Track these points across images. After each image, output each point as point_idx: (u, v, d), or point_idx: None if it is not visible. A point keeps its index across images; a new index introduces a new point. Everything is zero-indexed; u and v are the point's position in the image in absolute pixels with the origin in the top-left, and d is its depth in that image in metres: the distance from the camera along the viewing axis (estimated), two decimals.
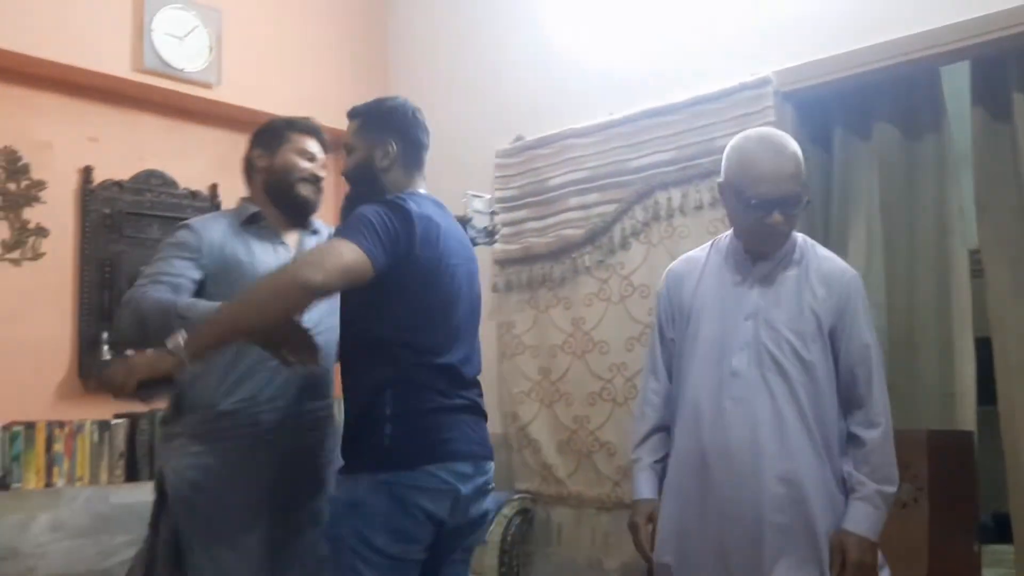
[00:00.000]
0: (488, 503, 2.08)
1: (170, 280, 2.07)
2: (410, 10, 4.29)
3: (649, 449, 2.05)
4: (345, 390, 1.98)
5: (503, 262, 3.64)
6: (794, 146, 1.91)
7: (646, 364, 2.15)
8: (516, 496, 3.45)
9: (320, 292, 1.78)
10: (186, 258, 2.13)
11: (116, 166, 3.50)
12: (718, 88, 3.00)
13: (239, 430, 2.10)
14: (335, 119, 4.04)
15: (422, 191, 2.08)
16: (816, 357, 1.88)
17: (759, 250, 1.95)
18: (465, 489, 1.93)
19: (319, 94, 4.04)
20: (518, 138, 3.68)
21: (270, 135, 2.35)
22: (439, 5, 4.15)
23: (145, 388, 1.79)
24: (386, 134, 2.07)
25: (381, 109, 2.12)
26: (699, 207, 3.04)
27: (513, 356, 3.58)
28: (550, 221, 3.50)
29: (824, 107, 2.96)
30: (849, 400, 1.91)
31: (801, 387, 1.87)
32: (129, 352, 1.85)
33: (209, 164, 3.80)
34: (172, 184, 3.62)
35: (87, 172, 3.42)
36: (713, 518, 1.89)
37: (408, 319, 1.91)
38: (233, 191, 3.78)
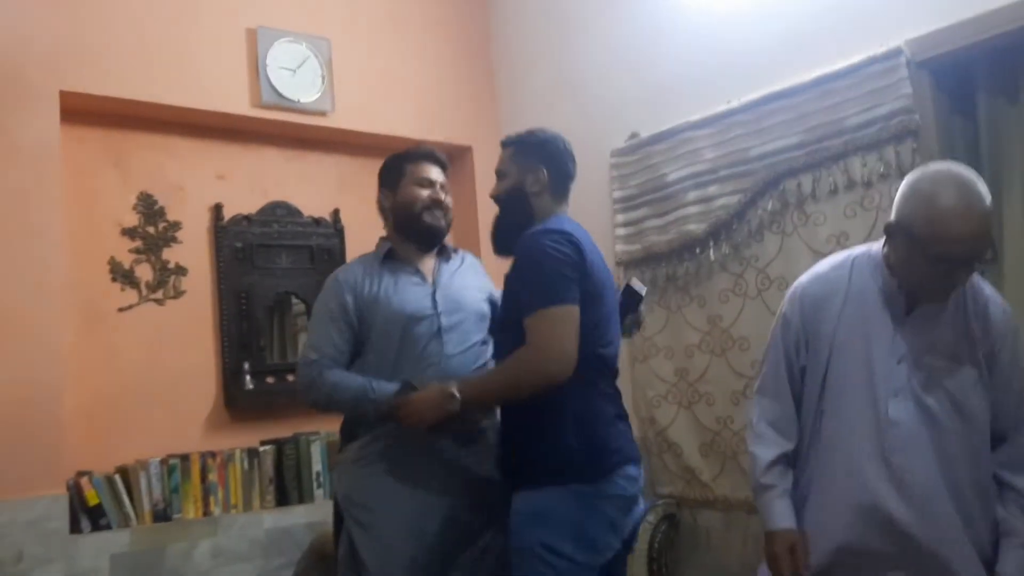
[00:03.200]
0: (642, 505, 2.15)
1: (336, 357, 2.28)
2: (511, 18, 4.27)
3: (779, 475, 1.93)
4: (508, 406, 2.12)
5: (625, 264, 3.57)
6: (987, 196, 1.73)
7: (765, 384, 1.99)
8: (659, 501, 3.37)
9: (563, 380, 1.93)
10: (341, 327, 2.29)
11: (243, 200, 3.62)
12: (844, 64, 2.84)
13: (393, 451, 2.25)
14: (445, 134, 4.14)
15: (564, 217, 2.22)
16: (974, 406, 1.81)
17: (923, 300, 1.82)
18: (637, 492, 2.05)
19: (428, 112, 4.09)
20: (633, 135, 3.59)
21: (390, 173, 2.46)
22: (540, 10, 4.10)
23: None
24: (538, 161, 2.20)
25: (534, 138, 2.26)
26: (833, 191, 2.88)
27: (646, 359, 3.50)
28: (670, 218, 3.41)
29: (964, 73, 2.75)
30: (1001, 440, 1.84)
31: (960, 439, 1.80)
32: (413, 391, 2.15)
33: (329, 190, 3.89)
34: (297, 213, 3.71)
35: (217, 209, 3.55)
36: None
37: (583, 332, 1.99)
38: (354, 214, 3.88)
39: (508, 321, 2.10)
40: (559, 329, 1.93)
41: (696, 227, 3.31)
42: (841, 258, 1.98)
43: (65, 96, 3.12)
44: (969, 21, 2.58)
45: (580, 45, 3.89)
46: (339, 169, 3.96)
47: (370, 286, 2.32)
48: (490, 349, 2.39)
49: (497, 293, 2.43)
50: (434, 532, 2.19)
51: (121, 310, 3.31)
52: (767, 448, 1.95)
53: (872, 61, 2.77)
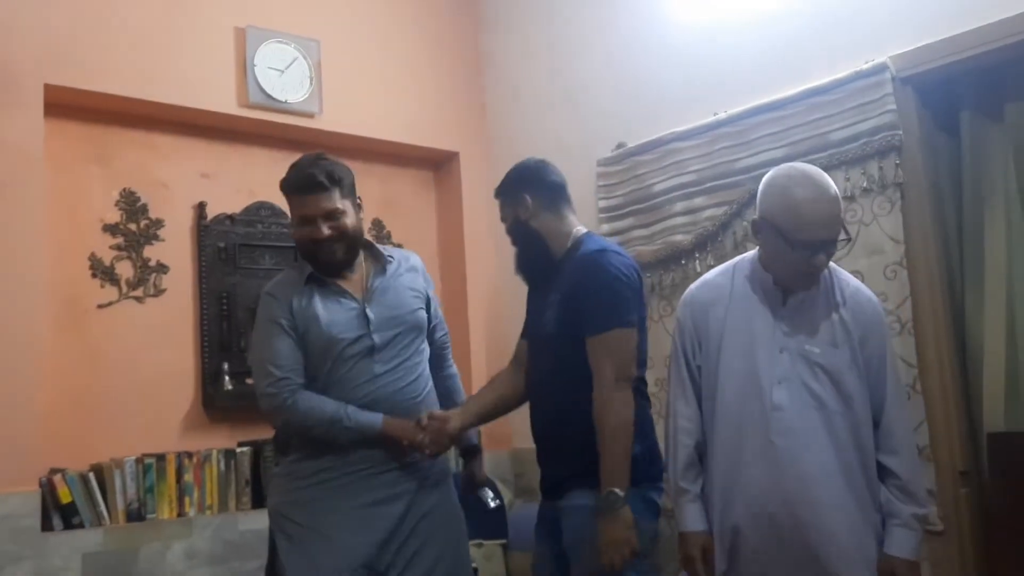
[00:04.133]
0: None
1: (300, 371, 2.20)
2: (502, 26, 4.28)
3: (693, 479, 2.06)
4: (552, 401, 2.25)
5: None
6: (834, 186, 1.94)
7: (674, 389, 2.12)
8: None
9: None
10: (289, 340, 2.20)
11: (227, 200, 3.61)
12: (830, 79, 2.85)
13: (325, 466, 2.22)
14: (433, 139, 4.14)
15: (581, 228, 2.34)
16: (853, 388, 1.94)
17: (794, 287, 1.98)
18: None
19: (416, 117, 4.08)
20: (620, 145, 3.60)
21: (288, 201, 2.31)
22: (530, 19, 4.12)
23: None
24: (519, 192, 2.33)
25: (509, 177, 2.38)
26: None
27: None
28: (656, 228, 3.41)
29: (948, 90, 2.78)
30: (876, 424, 1.96)
31: (842, 420, 1.92)
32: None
33: None
34: (281, 214, 3.69)
35: (201, 208, 3.53)
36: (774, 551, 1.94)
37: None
38: None
39: (562, 335, 2.21)
40: (627, 350, 2.14)
41: (682, 238, 3.31)
42: (725, 266, 2.16)
43: (50, 90, 3.10)
44: (954, 38, 2.60)
45: (569, 54, 3.90)
46: None
47: (298, 305, 2.22)
48: (424, 359, 2.35)
49: (431, 292, 2.43)
50: (361, 548, 2.15)
51: (101, 307, 3.29)
52: (679, 451, 2.06)
53: (857, 76, 2.79)
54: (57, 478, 2.95)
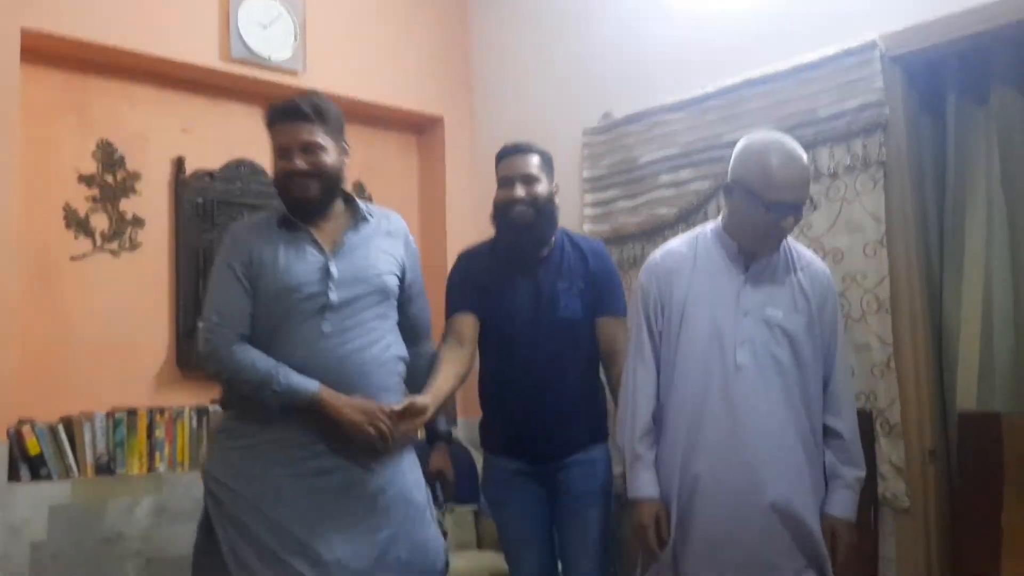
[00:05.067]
0: None
1: (242, 320, 2.09)
2: None
3: (648, 445, 2.10)
4: (570, 376, 2.48)
5: None
6: (804, 153, 2.05)
7: (632, 353, 2.17)
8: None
9: None
10: (239, 288, 2.10)
11: (207, 155, 3.55)
12: (820, 55, 2.84)
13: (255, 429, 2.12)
14: (417, 102, 4.09)
15: None
16: (809, 353, 2.04)
17: (760, 251, 2.07)
18: None
19: (400, 78, 4.03)
20: (606, 115, 3.58)
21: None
22: None
23: None
24: (553, 176, 2.58)
25: (549, 155, 2.59)
26: None
27: None
28: (641, 200, 3.40)
29: (936, 71, 2.78)
30: (824, 391, 2.08)
31: (796, 382, 2.02)
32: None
33: None
34: (261, 172, 3.63)
35: (179, 163, 3.47)
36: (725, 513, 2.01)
37: None
38: None
39: (586, 319, 2.51)
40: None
41: (667, 211, 3.30)
42: (688, 235, 2.24)
43: (27, 35, 3.02)
44: (943, 19, 2.59)
45: (558, 22, 3.85)
46: None
47: (259, 250, 2.10)
48: (388, 328, 2.20)
49: (412, 263, 2.32)
50: (290, 524, 2.00)
51: (74, 259, 3.23)
52: (637, 415, 2.11)
53: (847, 54, 2.78)
54: (26, 428, 2.91)
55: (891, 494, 2.62)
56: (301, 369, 2.04)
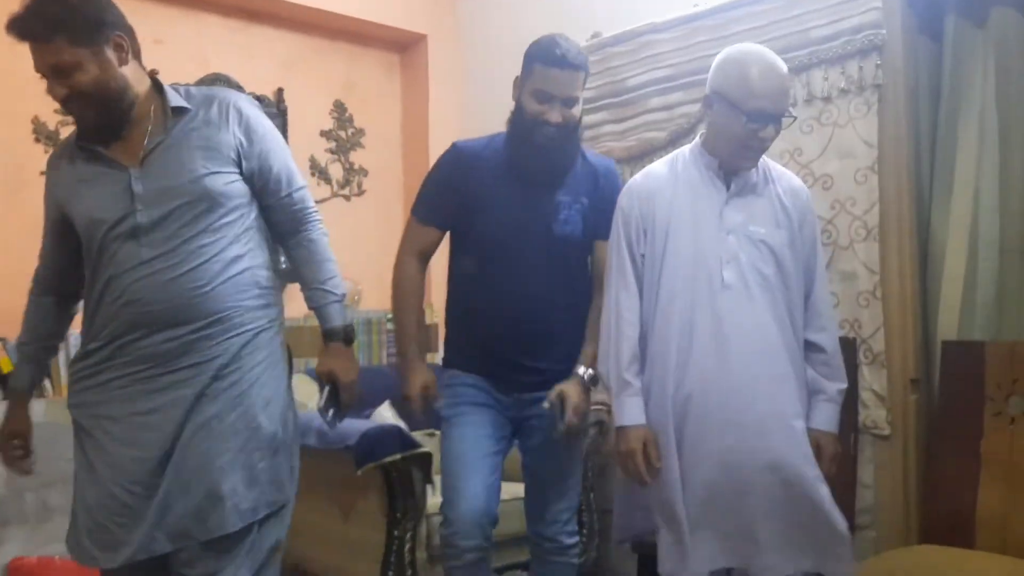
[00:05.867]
0: None
1: (46, 279, 2.03)
2: None
3: (635, 373, 2.07)
4: (559, 299, 2.30)
5: None
6: (784, 64, 2.02)
7: (614, 279, 2.12)
8: (593, 408, 3.37)
9: None
10: (51, 237, 1.98)
11: (180, 70, 3.43)
12: None
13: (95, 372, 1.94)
14: (400, 19, 3.95)
15: None
16: (792, 268, 2.05)
17: (739, 164, 2.05)
18: None
19: None
20: (594, 35, 3.47)
21: None
22: None
23: None
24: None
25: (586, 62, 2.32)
26: (792, 105, 2.82)
27: None
28: (630, 124, 3.32)
29: None
30: (806, 306, 2.09)
31: (782, 297, 2.03)
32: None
33: (274, 68, 3.72)
34: (237, 88, 3.52)
35: (152, 76, 3.34)
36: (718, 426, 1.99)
37: None
38: (299, 96, 3.70)
39: (585, 239, 2.32)
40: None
41: (657, 134, 3.23)
42: (667, 157, 2.20)
43: None
44: None
45: None
46: (286, 46, 3.77)
47: (64, 185, 1.88)
48: (225, 238, 1.87)
49: (265, 147, 1.94)
50: (129, 464, 1.84)
51: (43, 174, 3.12)
52: (628, 344, 2.07)
53: None
54: None
55: (871, 421, 2.62)
56: (128, 305, 1.81)
